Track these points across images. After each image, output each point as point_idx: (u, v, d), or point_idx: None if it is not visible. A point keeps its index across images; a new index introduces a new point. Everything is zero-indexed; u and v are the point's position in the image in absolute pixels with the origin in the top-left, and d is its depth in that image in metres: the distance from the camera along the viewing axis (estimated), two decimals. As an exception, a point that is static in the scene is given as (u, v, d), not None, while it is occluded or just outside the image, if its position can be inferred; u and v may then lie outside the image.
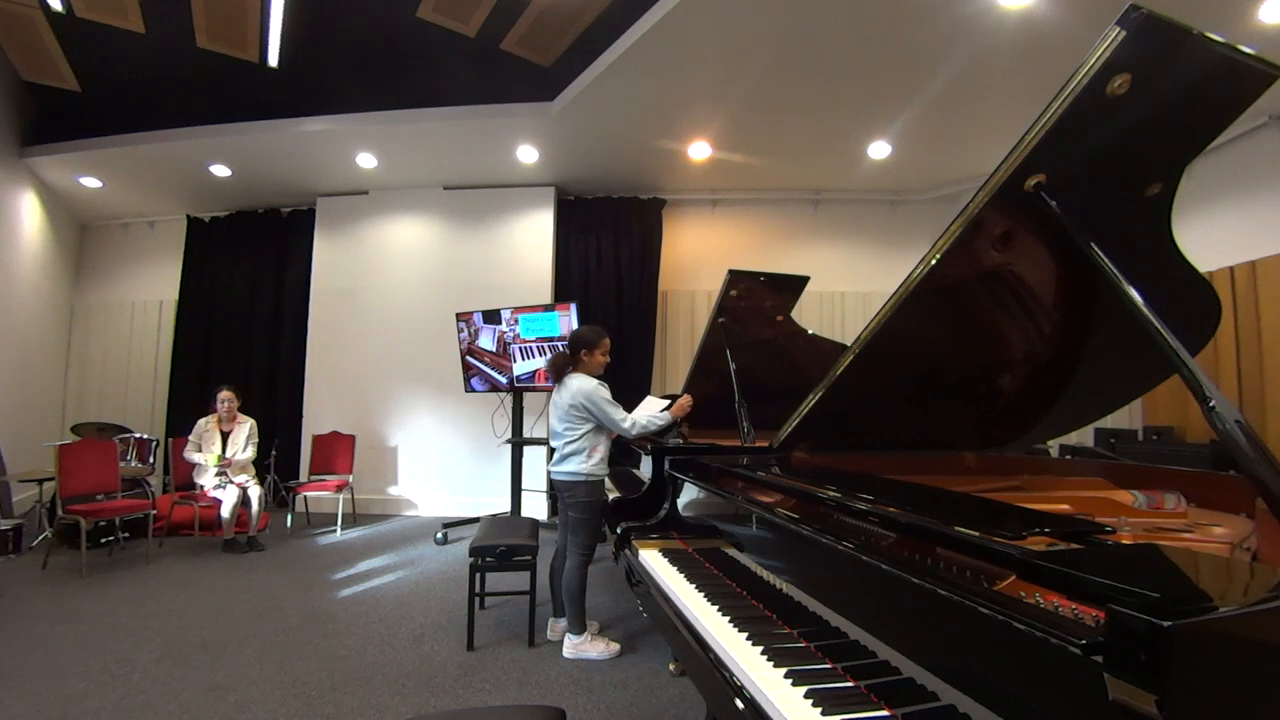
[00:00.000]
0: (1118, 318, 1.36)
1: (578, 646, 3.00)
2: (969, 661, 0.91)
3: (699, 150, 5.66)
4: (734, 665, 1.26)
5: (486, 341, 5.71)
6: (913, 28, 3.89)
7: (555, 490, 3.19)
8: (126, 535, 4.89)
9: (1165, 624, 0.63)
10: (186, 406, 6.47)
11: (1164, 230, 1.46)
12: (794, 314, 3.53)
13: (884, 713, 1.02)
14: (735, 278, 3.24)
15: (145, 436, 5.83)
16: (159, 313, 7.19)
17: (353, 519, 5.97)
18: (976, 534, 1.01)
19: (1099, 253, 1.28)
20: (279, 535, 5.36)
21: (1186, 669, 0.64)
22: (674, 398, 3.22)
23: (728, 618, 1.48)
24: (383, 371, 6.51)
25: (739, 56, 4.31)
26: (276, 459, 6.05)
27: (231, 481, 5.01)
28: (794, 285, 3.44)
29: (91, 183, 6.48)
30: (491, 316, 5.65)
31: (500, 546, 3.16)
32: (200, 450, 5.12)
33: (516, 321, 5.51)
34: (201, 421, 5.20)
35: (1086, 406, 2.15)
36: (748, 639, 1.35)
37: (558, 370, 3.14)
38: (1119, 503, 1.60)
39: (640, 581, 2.08)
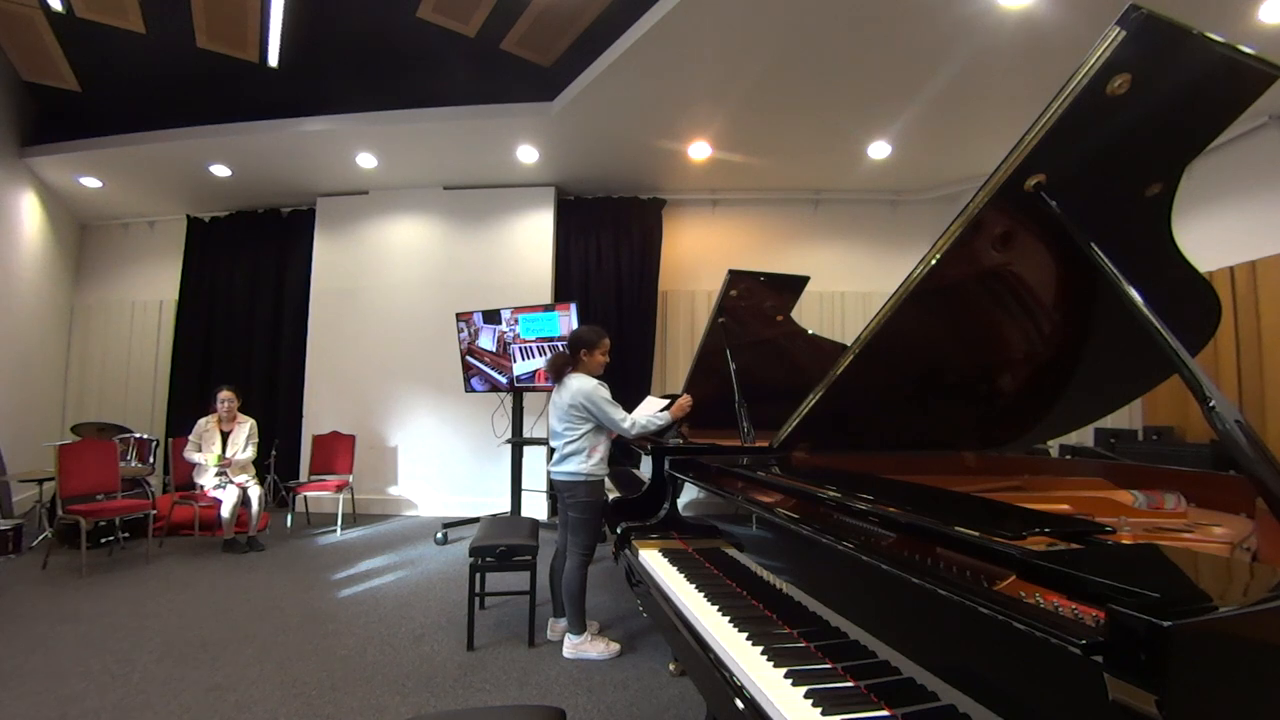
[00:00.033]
0: (1118, 318, 1.37)
1: (578, 646, 3.00)
2: (969, 661, 0.91)
3: (699, 150, 5.66)
4: (734, 665, 1.26)
5: (486, 341, 5.71)
6: (913, 28, 3.89)
7: (555, 490, 3.19)
8: (126, 535, 4.89)
9: (1165, 624, 0.63)
10: (186, 406, 6.47)
11: (1164, 230, 1.46)
12: (794, 314, 3.52)
13: (884, 713, 1.02)
14: (735, 278, 3.24)
15: (145, 436, 5.83)
16: (159, 313, 7.19)
17: (353, 519, 5.97)
18: (976, 534, 1.01)
19: (1099, 253, 1.28)
20: (279, 535, 5.36)
21: (1186, 669, 0.64)
22: (674, 398, 3.22)
23: (728, 618, 1.48)
24: (383, 371, 6.51)
25: (739, 56, 4.31)
26: (276, 459, 6.05)
27: (231, 481, 5.01)
28: (794, 285, 3.44)
29: (91, 183, 6.48)
30: (491, 316, 5.65)
31: (500, 546, 3.16)
32: (200, 450, 5.12)
33: (516, 321, 5.51)
34: (201, 421, 5.20)
35: (1086, 406, 2.15)
36: (748, 639, 1.35)
37: (557, 370, 3.14)
38: (1119, 503, 1.60)
39: (640, 581, 2.08)
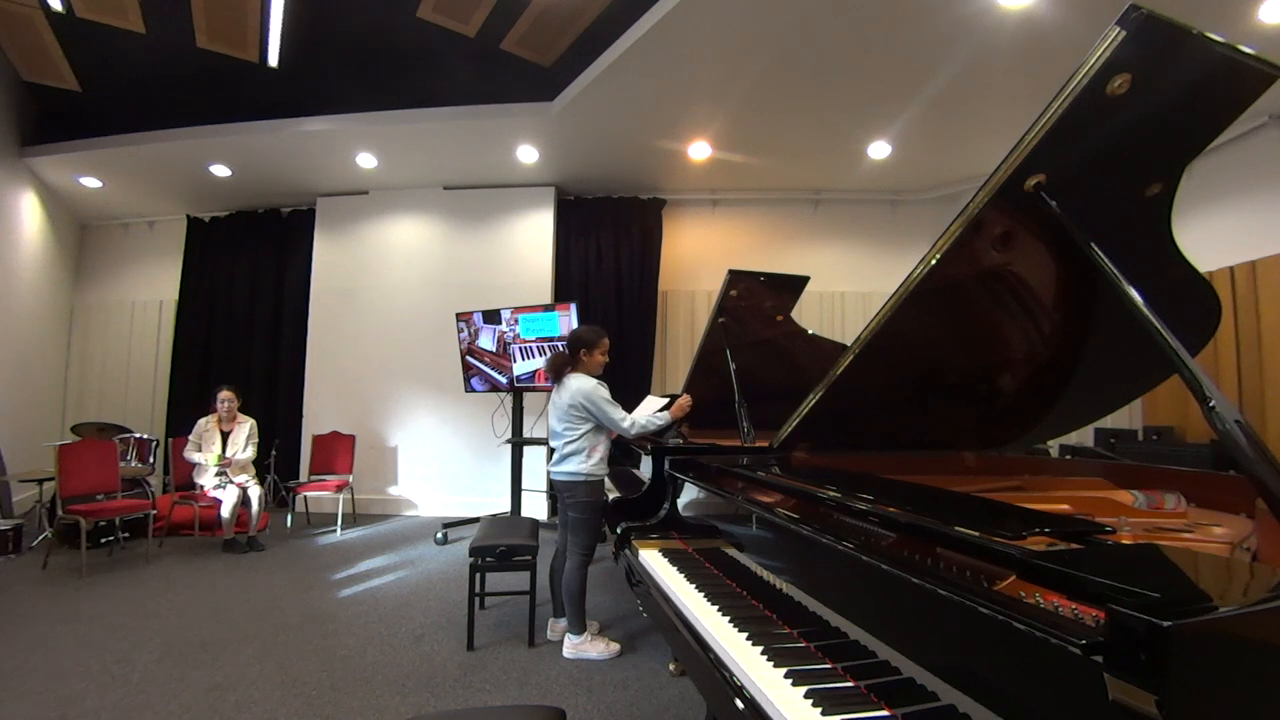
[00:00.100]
0: (1118, 318, 1.37)
1: (578, 646, 3.00)
2: (969, 661, 0.91)
3: (699, 150, 5.66)
4: (734, 665, 1.26)
5: (486, 341, 5.71)
6: (913, 28, 3.89)
7: (555, 490, 3.19)
8: (126, 535, 4.89)
9: (1165, 624, 0.63)
10: (186, 406, 6.47)
11: (1164, 230, 1.46)
12: (794, 314, 3.52)
13: (884, 713, 1.02)
14: (735, 278, 3.24)
15: (145, 436, 5.83)
16: (159, 313, 7.19)
17: (353, 519, 5.97)
18: (976, 534, 1.01)
19: (1099, 253, 1.28)
20: (279, 535, 5.36)
21: (1186, 669, 0.64)
22: (674, 397, 3.22)
23: (728, 618, 1.48)
24: (383, 371, 6.51)
25: (739, 56, 4.31)
26: (276, 459, 6.05)
27: (231, 481, 5.02)
28: (794, 285, 3.44)
29: (91, 183, 6.48)
30: (491, 316, 5.65)
31: (500, 546, 3.16)
32: (200, 450, 5.12)
33: (516, 321, 5.51)
34: (201, 421, 5.20)
35: (1086, 406, 2.15)
36: (748, 639, 1.35)
37: (557, 370, 3.14)
38: (1119, 503, 1.60)
39: (640, 581, 2.08)
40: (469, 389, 5.90)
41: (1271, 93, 1.18)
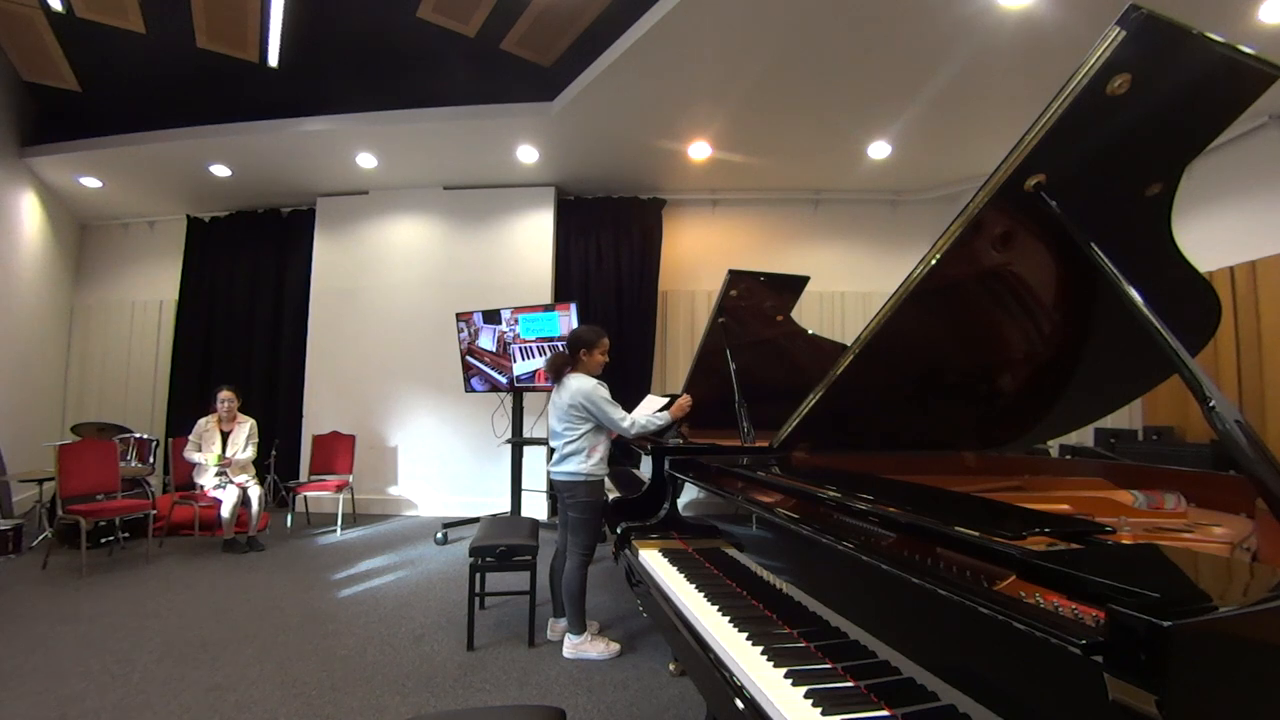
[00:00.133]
0: (1118, 318, 1.37)
1: (578, 646, 3.00)
2: (969, 661, 0.91)
3: (699, 150, 5.66)
4: (734, 665, 1.26)
5: (486, 341, 5.71)
6: (913, 28, 3.89)
7: (555, 490, 3.19)
8: (126, 535, 4.89)
9: (1165, 624, 0.63)
10: (186, 406, 6.47)
11: (1164, 230, 1.46)
12: (794, 314, 3.52)
13: (884, 713, 1.02)
14: (735, 278, 3.24)
15: (145, 436, 5.83)
16: (159, 313, 7.19)
17: (353, 519, 5.97)
18: (976, 534, 1.01)
19: (1099, 253, 1.28)
20: (279, 535, 5.36)
21: (1186, 669, 0.64)
22: (674, 397, 3.22)
23: (728, 618, 1.48)
24: (383, 371, 6.51)
25: (739, 56, 4.31)
26: (276, 459, 6.05)
27: (231, 481, 5.02)
28: (794, 285, 3.44)
29: (91, 183, 6.49)
30: (491, 316, 5.65)
31: (500, 546, 3.16)
32: (200, 450, 5.12)
33: (516, 321, 5.51)
34: (201, 421, 5.20)
35: (1086, 406, 2.15)
36: (748, 639, 1.35)
37: (556, 370, 3.14)
38: (1119, 503, 1.60)
39: (640, 581, 2.08)
40: (469, 389, 5.90)
41: (1271, 93, 1.18)
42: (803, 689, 1.10)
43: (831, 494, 1.46)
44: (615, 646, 3.02)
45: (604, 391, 3.04)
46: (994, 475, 2.11)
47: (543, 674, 2.84)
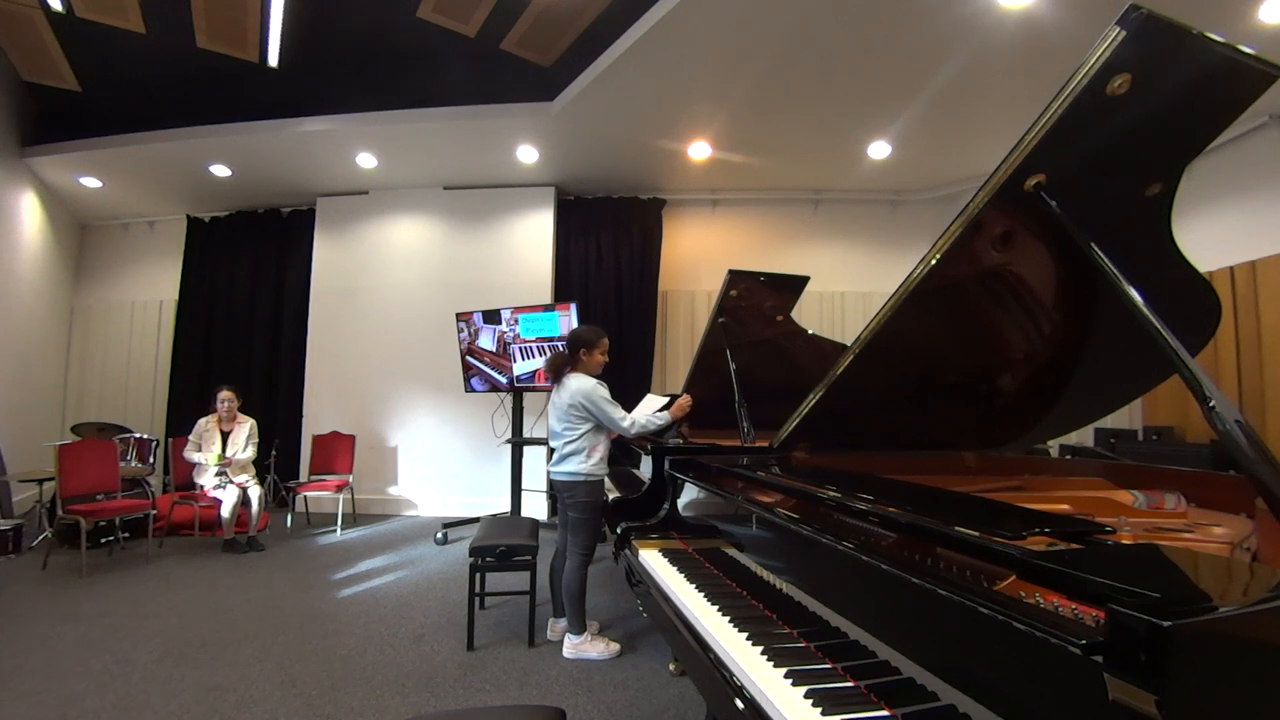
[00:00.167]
0: (1118, 318, 1.37)
1: (578, 646, 3.00)
2: (969, 661, 0.91)
3: (699, 150, 5.66)
4: (734, 665, 1.26)
5: (486, 341, 5.71)
6: (913, 28, 3.89)
7: (555, 490, 3.19)
8: (126, 535, 4.89)
9: (1165, 624, 0.63)
10: (186, 406, 6.47)
11: (1164, 230, 1.46)
12: (794, 314, 3.52)
13: (884, 713, 1.02)
14: (735, 278, 3.24)
15: (145, 436, 5.84)
16: (159, 313, 7.19)
17: (353, 519, 5.97)
18: (976, 534, 1.01)
19: (1099, 253, 1.28)
20: (279, 535, 5.36)
21: (1186, 669, 0.64)
22: (674, 397, 3.22)
23: (728, 618, 1.48)
24: (383, 371, 6.51)
25: (739, 56, 4.31)
26: (276, 459, 6.05)
27: (231, 481, 5.02)
28: (794, 285, 3.44)
29: (91, 183, 6.49)
30: (491, 316, 5.65)
31: (500, 546, 3.16)
32: (200, 450, 5.12)
33: (516, 321, 5.51)
34: (201, 421, 5.20)
35: (1086, 406, 2.15)
36: (748, 639, 1.35)
37: (556, 370, 3.14)
38: (1119, 503, 1.60)
39: (640, 581, 2.08)
40: (469, 389, 5.90)
41: (1271, 93, 1.18)
42: (803, 689, 1.10)
43: (831, 494, 1.46)
44: (615, 646, 3.02)
45: (604, 391, 3.04)
46: (994, 475, 2.11)
47: (543, 674, 2.84)
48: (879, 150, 5.57)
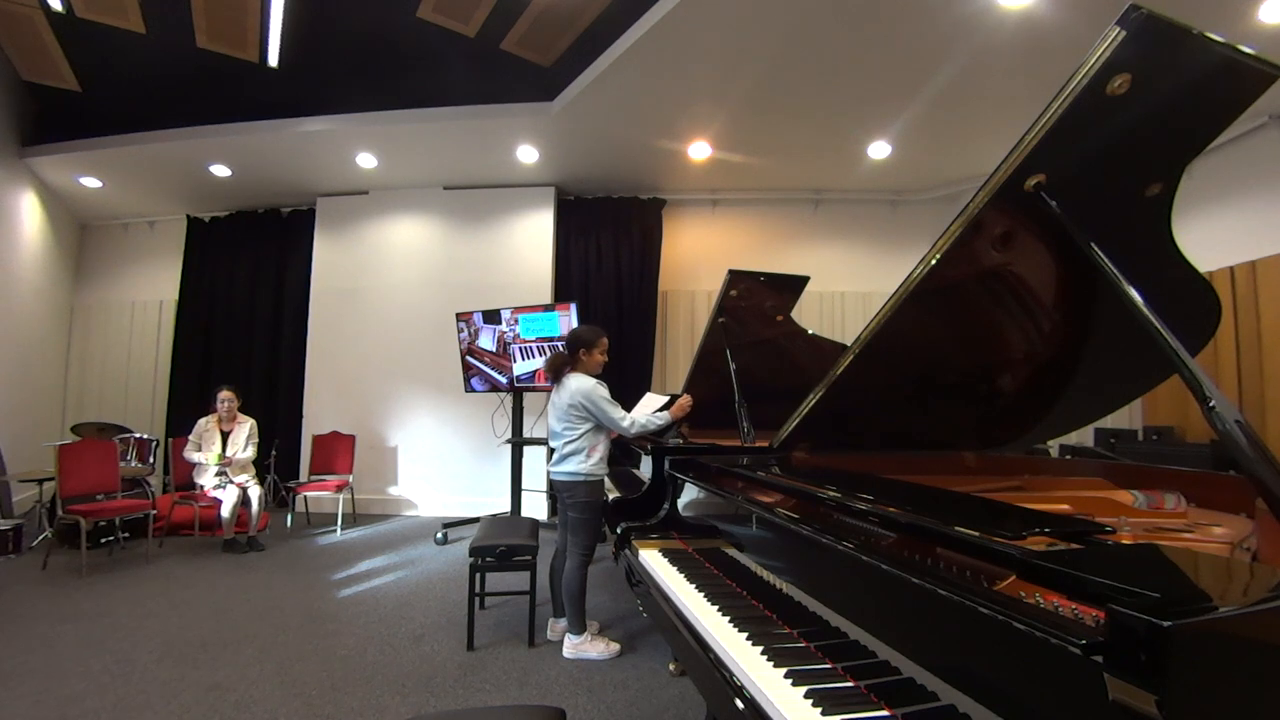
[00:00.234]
0: (1118, 318, 1.37)
1: (578, 646, 3.00)
2: (969, 661, 0.91)
3: (699, 150, 5.66)
4: (734, 665, 1.26)
5: (486, 341, 5.71)
6: (913, 28, 3.89)
7: (555, 490, 3.19)
8: (126, 535, 4.89)
9: (1165, 624, 0.63)
10: (186, 406, 6.47)
11: (1164, 230, 1.46)
12: (794, 314, 3.52)
13: (884, 713, 1.02)
14: (735, 278, 3.24)
15: (145, 436, 5.84)
16: (159, 313, 7.19)
17: (353, 519, 5.97)
18: (976, 534, 1.01)
19: (1099, 253, 1.28)
20: (279, 535, 5.36)
21: (1186, 669, 0.64)
22: (674, 397, 3.22)
23: (728, 618, 1.48)
24: (383, 371, 6.51)
25: (739, 56, 4.31)
26: (276, 459, 6.05)
27: (231, 481, 5.02)
28: (794, 285, 3.44)
29: (91, 183, 6.49)
30: (491, 316, 5.65)
31: (500, 546, 3.16)
32: (200, 450, 5.12)
33: (516, 321, 5.51)
34: (201, 421, 5.20)
35: (1086, 406, 2.15)
36: (748, 639, 1.35)
37: (556, 370, 3.14)
38: (1119, 503, 1.60)
39: (640, 581, 2.08)
40: (469, 389, 5.90)
41: (1271, 93, 1.18)
42: (803, 689, 1.10)
43: (831, 494, 1.46)
44: (615, 646, 3.02)
45: (604, 391, 3.04)
46: (994, 475, 2.11)
47: (543, 674, 2.84)
48: (879, 150, 5.57)
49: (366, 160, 6.05)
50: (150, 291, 7.20)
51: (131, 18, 4.77)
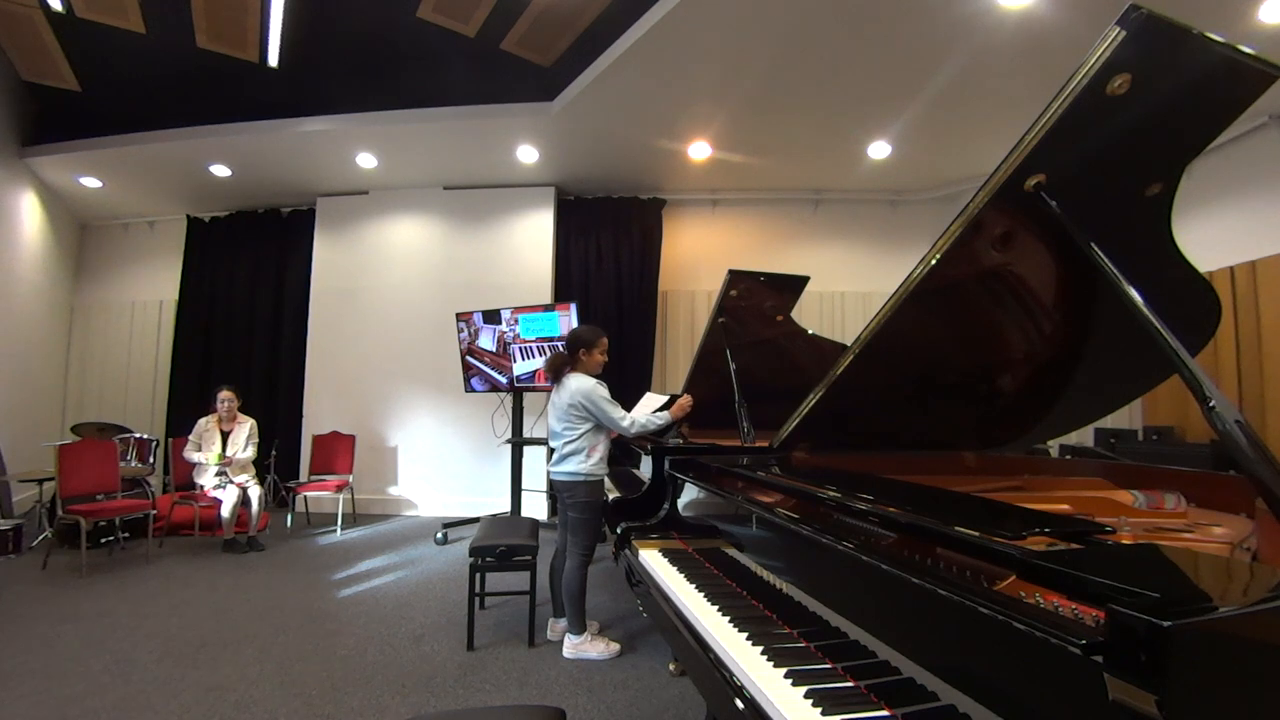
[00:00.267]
0: (1118, 318, 1.36)
1: (578, 646, 3.00)
2: (969, 661, 0.91)
3: (699, 150, 5.66)
4: (734, 665, 1.26)
5: (486, 341, 5.71)
6: (913, 28, 3.89)
7: (555, 490, 3.19)
8: (126, 535, 4.89)
9: (1165, 624, 0.63)
10: (186, 406, 6.47)
11: (1164, 230, 1.46)
12: (794, 314, 3.52)
13: (884, 713, 1.02)
14: (735, 278, 3.24)
15: (145, 436, 5.84)
16: (159, 313, 7.19)
17: (353, 519, 5.97)
18: (976, 534, 1.01)
19: (1099, 253, 1.28)
20: (279, 535, 5.36)
21: (1186, 669, 0.64)
22: (674, 397, 3.22)
23: (728, 618, 1.48)
24: (383, 371, 6.51)
25: (739, 56, 4.31)
26: (276, 459, 6.05)
27: (231, 481, 5.02)
28: (794, 285, 3.44)
29: (91, 183, 6.49)
30: (491, 316, 5.65)
31: (500, 546, 3.16)
32: (200, 450, 5.12)
33: (516, 321, 5.51)
34: (202, 421, 5.20)
35: (1086, 406, 2.15)
36: (748, 639, 1.35)
37: (556, 370, 3.14)
38: (1119, 503, 1.60)
39: (640, 581, 2.08)
40: (469, 389, 5.90)
41: (1271, 93, 1.18)
42: (803, 689, 1.10)
43: (831, 494, 1.46)
44: (615, 646, 3.02)
45: (603, 391, 3.04)
46: (994, 475, 2.11)
47: (543, 674, 2.84)
48: (879, 150, 5.57)
49: (366, 160, 6.05)
50: (150, 291, 7.20)
51: (131, 18, 4.77)
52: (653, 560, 2.08)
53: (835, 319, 6.43)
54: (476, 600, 3.22)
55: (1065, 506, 1.52)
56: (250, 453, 5.24)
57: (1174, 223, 1.45)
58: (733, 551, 1.83)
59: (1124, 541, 1.10)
